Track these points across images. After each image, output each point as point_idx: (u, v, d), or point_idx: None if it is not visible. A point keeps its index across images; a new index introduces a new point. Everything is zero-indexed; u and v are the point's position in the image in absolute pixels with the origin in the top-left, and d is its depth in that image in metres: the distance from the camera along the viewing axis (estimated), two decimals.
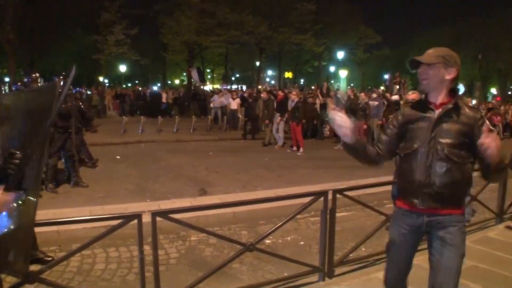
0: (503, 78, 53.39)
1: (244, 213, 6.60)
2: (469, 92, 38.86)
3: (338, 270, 4.48)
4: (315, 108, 17.67)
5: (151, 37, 36.11)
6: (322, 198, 4.24)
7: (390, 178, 6.15)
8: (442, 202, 2.64)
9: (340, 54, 45.39)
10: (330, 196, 4.33)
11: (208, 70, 50.03)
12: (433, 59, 2.66)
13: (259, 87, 31.39)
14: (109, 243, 5.26)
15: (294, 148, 14.51)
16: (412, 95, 6.17)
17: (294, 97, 14.92)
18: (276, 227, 4.13)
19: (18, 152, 2.03)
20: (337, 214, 4.50)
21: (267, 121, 15.93)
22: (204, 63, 45.37)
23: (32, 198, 1.98)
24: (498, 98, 40.03)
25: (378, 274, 4.43)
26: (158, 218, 3.42)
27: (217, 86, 44.85)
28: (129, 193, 8.08)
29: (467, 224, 5.51)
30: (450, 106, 2.63)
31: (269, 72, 61.97)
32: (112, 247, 5.32)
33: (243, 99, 21.82)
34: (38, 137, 2.14)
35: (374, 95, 15.49)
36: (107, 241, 5.00)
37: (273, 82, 58.60)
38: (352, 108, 15.25)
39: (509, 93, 54.37)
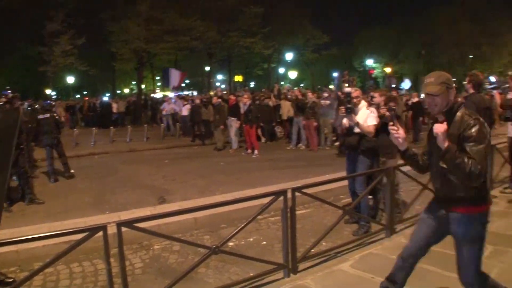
0: (447, 72, 55.56)
1: (205, 218, 6.67)
2: (415, 87, 40.35)
3: (301, 266, 4.62)
4: (272, 109, 17.84)
5: (99, 46, 35.15)
6: (282, 197, 4.38)
7: (343, 174, 6.40)
8: None
9: (289, 56, 46.02)
10: (289, 195, 4.47)
11: (158, 78, 49.40)
12: (439, 89, 3.01)
13: (211, 92, 31.35)
14: (72, 258, 5.19)
15: (249, 151, 14.64)
16: (356, 93, 6.47)
17: (246, 100, 15.04)
18: (239, 228, 4.23)
19: None
20: (297, 212, 4.66)
21: (222, 126, 15.98)
22: (154, 70, 44.84)
23: None
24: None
25: (340, 266, 4.65)
26: (123, 229, 3.45)
27: (167, 93, 44.49)
28: (87, 207, 7.95)
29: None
30: None
31: (219, 77, 61.94)
32: (75, 262, 5.25)
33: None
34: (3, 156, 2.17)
35: (325, 95, 15.85)
36: (69, 257, 4.94)
37: (223, 86, 58.67)
38: (300, 107, 15.69)
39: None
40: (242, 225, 4.24)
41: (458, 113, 3.00)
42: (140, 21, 28.41)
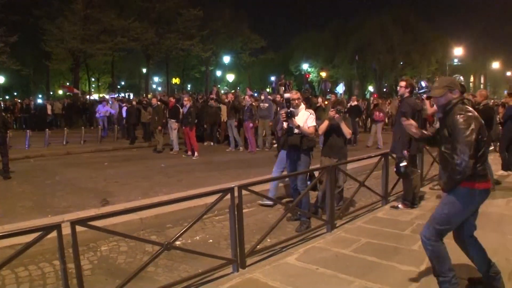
0: (379, 77, 58.07)
1: (151, 218, 6.73)
2: (349, 91, 41.92)
3: (249, 260, 4.81)
4: (217, 111, 17.87)
5: (33, 45, 33.59)
6: (228, 196, 4.56)
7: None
8: None
9: (226, 59, 46.36)
10: (236, 193, 4.65)
11: (93, 79, 48.17)
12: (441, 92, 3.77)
13: (149, 95, 30.96)
14: (16, 263, 5.08)
15: (189, 153, 14.71)
16: (295, 95, 6.82)
17: (186, 102, 15.08)
18: (189, 225, 4.34)
19: None
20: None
21: (160, 128, 15.95)
22: (89, 71, 43.59)
23: None
24: (375, 95, 43.46)
25: (286, 259, 4.90)
26: (77, 227, 3.47)
27: (103, 95, 43.48)
28: (27, 211, 7.66)
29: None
30: None
31: (156, 79, 61.21)
32: (20, 266, 5.11)
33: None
34: None
35: (262, 97, 16.25)
36: (14, 261, 4.85)
37: (160, 88, 57.97)
38: (236, 107, 16.14)
39: (384, 90, 59.19)
40: (192, 222, 4.37)
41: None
42: (77, 20, 27.52)
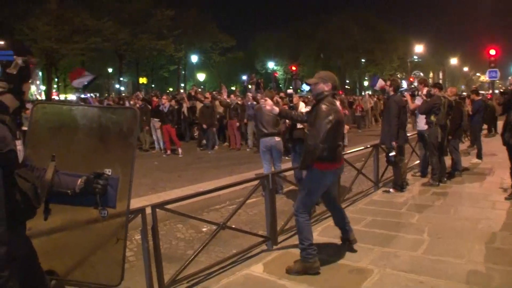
0: (342, 74, 59.74)
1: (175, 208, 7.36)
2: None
3: (279, 238, 5.61)
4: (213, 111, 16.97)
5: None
6: (265, 181, 5.36)
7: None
8: None
9: (194, 58, 46.82)
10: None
11: (56, 79, 47.38)
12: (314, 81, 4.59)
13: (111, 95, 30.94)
14: None
15: (168, 152, 15.29)
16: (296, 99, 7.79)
17: (165, 101, 15.64)
18: (238, 207, 5.17)
19: (105, 173, 2.48)
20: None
21: (147, 128, 16.41)
22: (57, 72, 43.02)
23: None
24: (340, 92, 44.65)
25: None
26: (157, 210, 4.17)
27: (69, 96, 43.03)
28: None
29: None
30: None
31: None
32: None
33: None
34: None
35: (249, 95, 16.87)
36: None
37: (122, 88, 57.54)
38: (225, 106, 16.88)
39: (347, 87, 60.80)
40: (239, 205, 5.16)
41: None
42: (49, 20, 27.31)
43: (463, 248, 5.03)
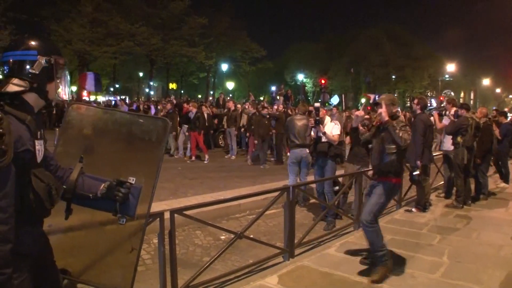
0: (372, 90, 59.33)
1: (195, 215, 7.42)
2: (343, 102, 42.82)
3: (296, 251, 5.60)
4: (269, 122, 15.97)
5: None
6: (285, 193, 5.37)
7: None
8: None
9: (224, 66, 47.14)
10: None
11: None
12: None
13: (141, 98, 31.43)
14: None
15: (193, 158, 15.34)
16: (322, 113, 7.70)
17: (192, 108, 15.77)
18: (257, 217, 5.22)
19: (128, 181, 2.50)
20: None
21: (174, 133, 16.57)
22: None
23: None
24: (369, 108, 44.32)
25: (327, 251, 5.73)
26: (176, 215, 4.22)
27: (99, 97, 43.78)
28: None
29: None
30: None
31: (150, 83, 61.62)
32: None
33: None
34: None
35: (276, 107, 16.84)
36: None
37: (152, 92, 58.32)
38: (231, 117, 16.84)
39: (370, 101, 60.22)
40: (257, 215, 5.18)
41: None
42: (85, 22, 27.98)
43: (483, 274, 4.93)
